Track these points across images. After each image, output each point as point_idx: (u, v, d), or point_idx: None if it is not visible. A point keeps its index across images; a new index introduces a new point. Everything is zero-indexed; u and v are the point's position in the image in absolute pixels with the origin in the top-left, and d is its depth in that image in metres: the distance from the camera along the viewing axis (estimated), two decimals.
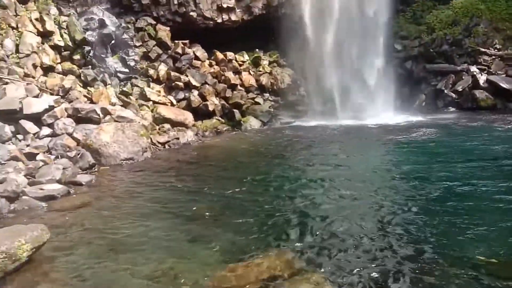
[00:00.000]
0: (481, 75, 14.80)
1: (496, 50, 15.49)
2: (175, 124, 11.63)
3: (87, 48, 11.97)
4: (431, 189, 6.56)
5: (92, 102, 10.60)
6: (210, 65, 14.32)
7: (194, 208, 6.20)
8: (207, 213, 6.00)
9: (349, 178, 7.39)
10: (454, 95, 14.75)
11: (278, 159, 9.21)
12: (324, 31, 14.20)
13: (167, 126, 11.35)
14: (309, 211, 5.91)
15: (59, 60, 11.74)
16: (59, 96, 10.03)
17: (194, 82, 13.18)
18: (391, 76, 14.42)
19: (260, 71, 15.28)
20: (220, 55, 14.53)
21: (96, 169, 8.46)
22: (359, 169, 7.96)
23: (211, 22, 14.61)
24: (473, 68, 14.98)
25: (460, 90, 14.73)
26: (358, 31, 14.16)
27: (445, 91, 14.83)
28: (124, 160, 8.87)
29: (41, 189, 6.89)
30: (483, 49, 15.37)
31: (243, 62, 15.09)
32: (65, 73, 11.53)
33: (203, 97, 13.05)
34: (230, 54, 14.69)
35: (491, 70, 15.07)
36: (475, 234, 4.96)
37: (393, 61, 14.77)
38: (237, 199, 6.59)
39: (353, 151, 9.71)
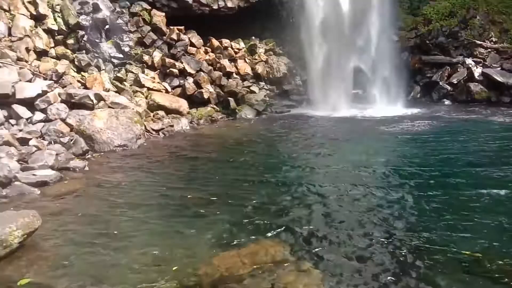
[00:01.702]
0: (477, 67, 14.81)
1: (492, 43, 15.49)
2: (169, 111, 11.58)
3: (81, 32, 11.82)
4: (423, 184, 6.57)
5: (85, 87, 10.51)
6: (206, 52, 14.21)
7: (189, 196, 6.19)
8: (200, 201, 6.02)
9: (342, 170, 7.40)
10: (449, 87, 14.77)
11: (272, 148, 9.22)
12: (323, 20, 14.09)
13: (161, 113, 11.30)
14: (303, 202, 5.93)
15: (52, 45, 11.59)
16: (53, 81, 9.91)
17: (189, 69, 13.09)
18: (387, 67, 14.40)
19: (256, 59, 15.20)
20: (215, 42, 14.42)
21: (89, 155, 8.43)
22: (353, 161, 7.93)
23: (207, 9, 14.45)
24: (469, 61, 14.98)
25: (455, 82, 14.76)
26: (357, 21, 14.10)
27: (440, 83, 14.85)
28: (117, 146, 8.83)
29: (34, 174, 6.86)
30: (479, 42, 15.36)
31: (239, 49, 15.00)
32: (58, 57, 11.40)
33: (198, 85, 12.97)
34: (225, 41, 14.59)
35: (486, 63, 15.08)
36: (464, 229, 4.99)
37: (390, 52, 14.72)
38: (231, 187, 6.61)
39: (347, 143, 9.67)
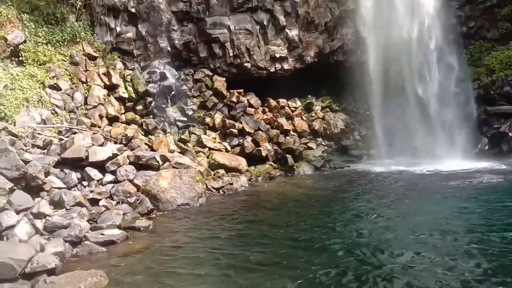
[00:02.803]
0: None
1: None
2: (229, 169, 11.87)
3: (149, 99, 12.76)
4: (500, 249, 6.03)
5: (152, 149, 11.11)
6: (263, 112, 14.67)
7: (251, 258, 6.17)
8: (263, 263, 5.97)
9: (406, 232, 6.98)
10: None
11: (331, 209, 8.92)
12: (384, 76, 14.16)
13: (221, 171, 11.60)
14: (365, 267, 5.66)
15: (123, 111, 12.57)
16: (122, 144, 10.61)
17: (248, 129, 13.50)
18: (450, 119, 13.95)
19: (312, 116, 15.45)
20: (273, 102, 14.88)
21: (153, 214, 8.73)
22: (421, 228, 7.19)
23: (265, 72, 15.12)
24: None
25: None
26: (417, 74, 14.03)
27: (510, 134, 14.03)
28: (180, 205, 9.11)
29: (102, 234, 7.19)
30: None
31: (296, 108, 15.36)
32: (128, 122, 12.28)
33: (256, 143, 13.27)
34: (282, 101, 15.03)
35: None
36: None
37: (452, 104, 14.32)
38: (293, 248, 6.49)
39: (413, 203, 9.04)
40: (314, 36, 15.58)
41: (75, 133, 10.28)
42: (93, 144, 9.96)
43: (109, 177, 9.45)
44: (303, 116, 15.28)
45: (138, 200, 8.89)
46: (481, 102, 15.09)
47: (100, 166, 9.52)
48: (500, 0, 16.71)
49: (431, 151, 13.53)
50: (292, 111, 15.13)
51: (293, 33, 15.20)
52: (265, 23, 14.86)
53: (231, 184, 11.02)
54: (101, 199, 8.64)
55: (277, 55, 15.09)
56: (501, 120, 14.56)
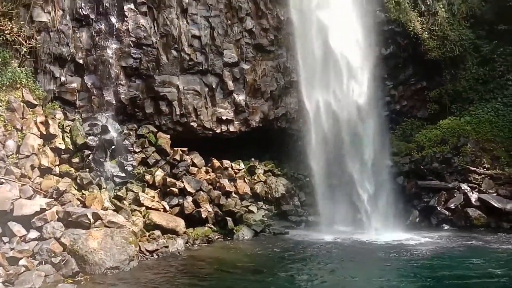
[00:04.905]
0: (473, 193, 14.96)
1: (485, 169, 15.88)
2: (165, 231, 11.47)
3: (86, 152, 12.30)
4: None
5: (84, 205, 10.54)
6: (207, 172, 14.61)
7: None
8: None
9: None
10: (447, 212, 14.74)
11: (267, 277, 8.87)
12: (321, 145, 14.74)
13: (157, 233, 11.18)
14: None
15: (57, 163, 11.96)
16: (52, 199, 10.01)
17: (189, 189, 13.27)
18: (384, 191, 14.61)
19: (255, 179, 15.58)
20: (216, 163, 14.89)
21: (79, 277, 8.15)
22: None
23: (210, 132, 15.29)
24: (464, 186, 15.19)
25: (453, 207, 14.77)
26: (353, 147, 14.74)
27: (438, 208, 14.85)
28: (109, 269, 8.57)
29: None
30: (472, 168, 15.76)
31: (239, 170, 15.46)
32: (62, 175, 11.68)
33: (197, 204, 13.01)
34: (226, 162, 15.10)
35: (482, 188, 15.28)
36: None
37: (386, 177, 15.08)
38: None
39: (343, 271, 9.36)
40: (260, 102, 16.15)
41: (1, 183, 9.60)
42: (20, 197, 9.36)
43: (33, 234, 8.80)
44: (245, 179, 15.36)
45: (63, 260, 8.29)
46: (412, 176, 16.03)
47: (25, 221, 8.90)
48: (429, 83, 18.48)
49: (366, 221, 13.96)
50: (235, 173, 15.20)
51: (240, 98, 15.67)
52: (213, 86, 15.25)
53: (167, 247, 10.60)
54: (22, 258, 7.99)
55: (224, 117, 15.39)
56: (430, 194, 15.47)
